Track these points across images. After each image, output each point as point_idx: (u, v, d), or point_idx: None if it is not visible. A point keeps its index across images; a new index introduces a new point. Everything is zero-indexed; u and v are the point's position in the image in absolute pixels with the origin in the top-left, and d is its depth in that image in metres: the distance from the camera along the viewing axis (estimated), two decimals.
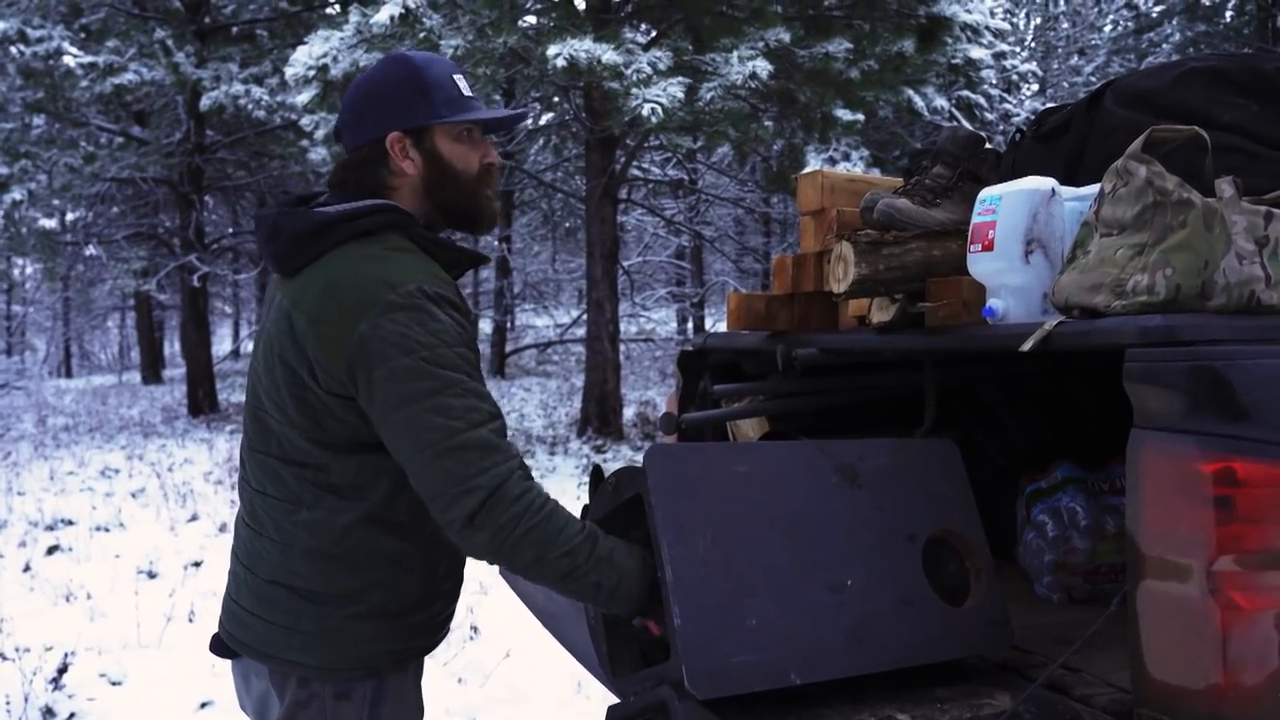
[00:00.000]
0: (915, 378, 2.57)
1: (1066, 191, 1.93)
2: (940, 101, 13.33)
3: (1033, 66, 20.85)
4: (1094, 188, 1.84)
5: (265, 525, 1.67)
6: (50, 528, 7.59)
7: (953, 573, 1.83)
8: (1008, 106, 19.34)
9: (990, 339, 1.91)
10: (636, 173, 15.14)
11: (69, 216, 19.45)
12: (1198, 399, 1.47)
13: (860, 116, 10.34)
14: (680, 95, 7.82)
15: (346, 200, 1.65)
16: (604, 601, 1.59)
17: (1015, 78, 20.46)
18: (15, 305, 36.31)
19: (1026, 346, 1.70)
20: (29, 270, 31.32)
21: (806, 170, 2.70)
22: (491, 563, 1.54)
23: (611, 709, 1.65)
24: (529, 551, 1.51)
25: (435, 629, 1.77)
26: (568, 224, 21.73)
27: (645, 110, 7.58)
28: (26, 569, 6.31)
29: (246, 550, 1.71)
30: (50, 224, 19.33)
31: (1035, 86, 21.80)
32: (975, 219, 1.95)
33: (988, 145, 2.26)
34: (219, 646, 1.77)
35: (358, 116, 1.69)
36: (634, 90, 7.69)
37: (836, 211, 2.47)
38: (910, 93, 10.82)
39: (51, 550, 6.84)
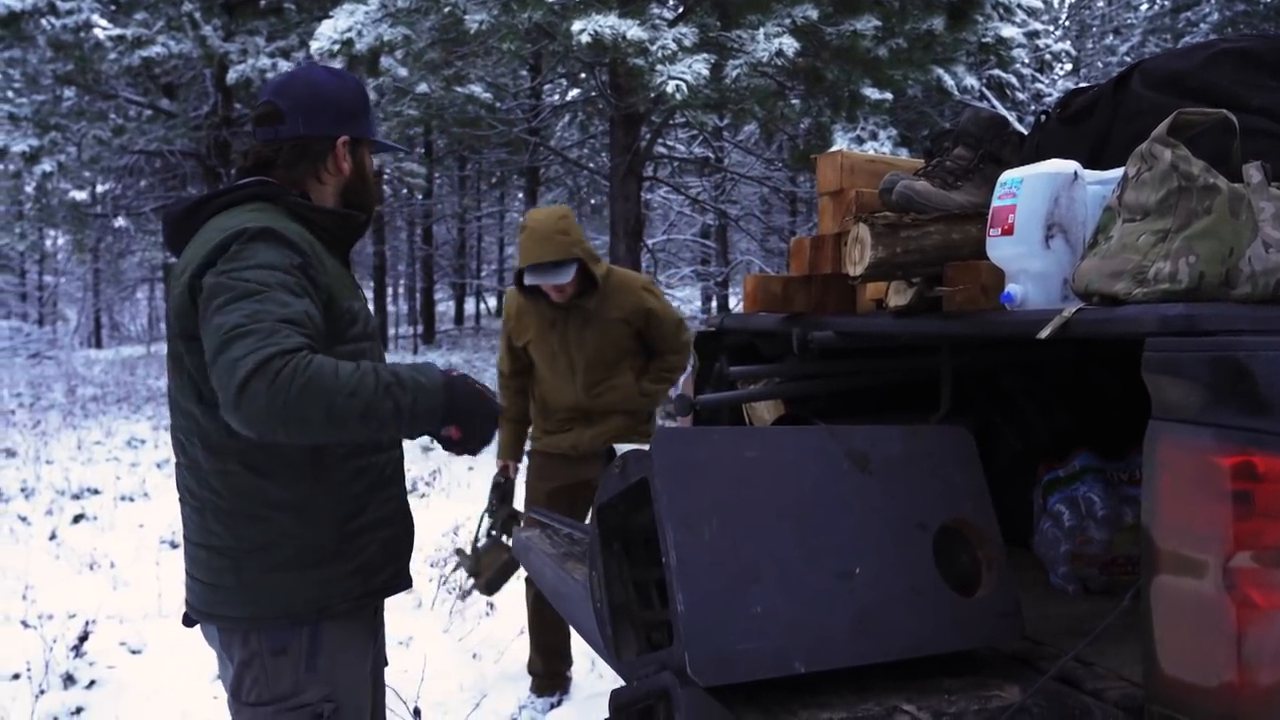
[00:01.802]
0: (933, 363, 2.53)
1: (1090, 175, 1.88)
2: (971, 81, 13.14)
3: (1066, 46, 20.53)
4: (1119, 171, 1.79)
5: (185, 494, 1.86)
6: (76, 496, 7.68)
7: (964, 562, 1.80)
8: (1040, 86, 19.06)
9: (1008, 325, 1.87)
10: (662, 150, 15.05)
11: (99, 189, 19.60)
12: (1218, 391, 1.43)
13: (889, 95, 10.20)
14: (705, 72, 7.74)
15: (265, 184, 1.85)
16: (408, 421, 1.62)
17: (1048, 57, 20.15)
18: (48, 276, 36.73)
19: (1044, 334, 1.66)
20: (60, 241, 31.64)
21: (828, 151, 2.66)
22: (287, 439, 1.55)
23: (615, 693, 1.64)
24: (314, 407, 1.52)
25: (364, 578, 1.87)
26: (593, 201, 21.67)
27: (670, 87, 7.51)
28: (53, 537, 6.39)
29: (183, 520, 1.90)
30: (81, 196, 19.50)
31: (1069, 66, 21.48)
32: (995, 202, 1.91)
33: (1011, 126, 2.21)
34: (185, 617, 1.95)
35: (315, 109, 1.89)
36: (659, 67, 7.61)
37: (855, 192, 2.43)
38: (940, 72, 10.67)
39: (77, 519, 6.93)
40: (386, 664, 2.13)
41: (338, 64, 8.97)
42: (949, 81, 11.06)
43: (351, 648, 1.89)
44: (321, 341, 1.67)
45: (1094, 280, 1.69)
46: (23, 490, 7.82)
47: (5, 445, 9.90)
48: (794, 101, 10.44)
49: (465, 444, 1.72)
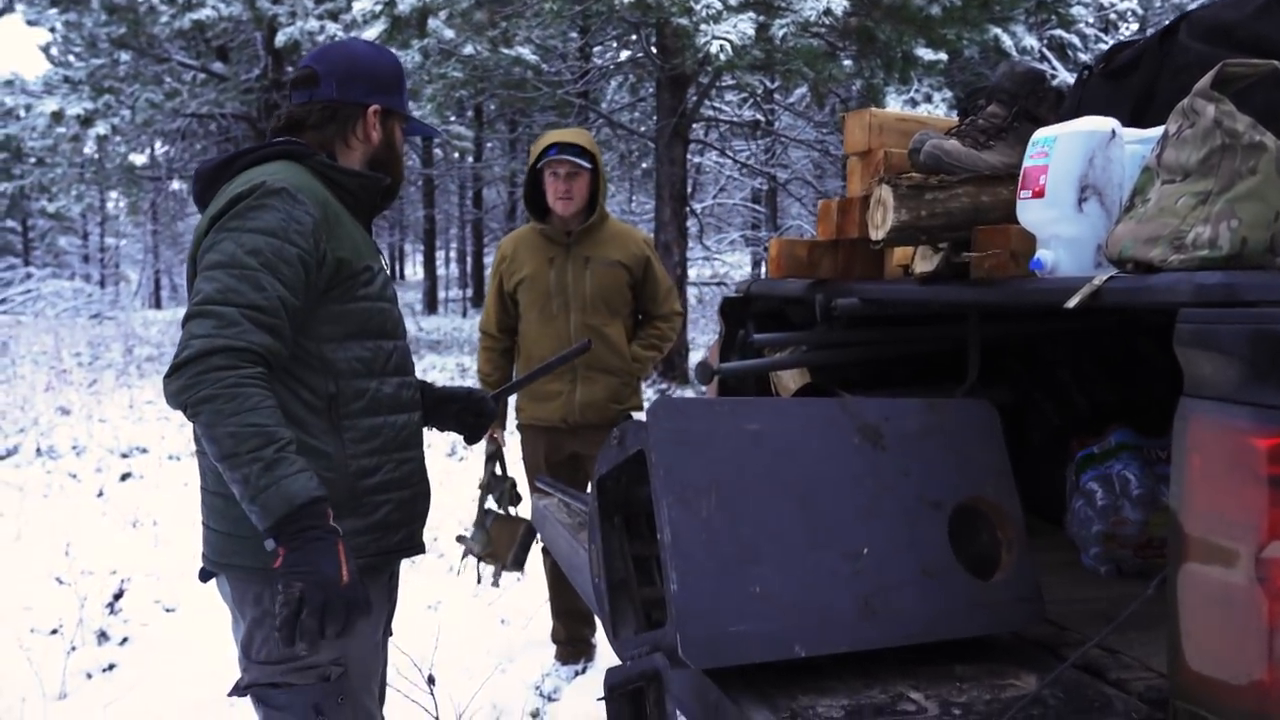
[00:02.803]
0: (962, 332, 2.42)
1: (1129, 133, 1.76)
2: (1030, 41, 12.74)
3: (1133, 4, 19.79)
4: (1160, 130, 1.67)
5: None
6: (125, 455, 7.82)
7: (982, 543, 1.71)
8: (1104, 47, 18.43)
9: (1037, 293, 1.76)
10: (711, 113, 14.84)
11: (158, 152, 19.88)
12: (1258, 366, 1.32)
13: (943, 56, 9.94)
14: (751, 32, 7.57)
15: (293, 144, 1.88)
16: (248, 500, 1.58)
17: (1114, 16, 19.48)
18: (109, 238, 37.50)
19: (1072, 303, 1.56)
20: (121, 204, 32.24)
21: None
22: (189, 418, 1.62)
23: (609, 672, 1.59)
24: (204, 417, 1.58)
25: (378, 537, 1.86)
26: (644, 165, 21.50)
27: (714, 47, 7.36)
28: (100, 494, 6.51)
29: (200, 470, 1.88)
30: (141, 159, 19.80)
31: (1135, 26, 20.73)
32: (1026, 162, 1.80)
33: (1048, 82, 2.08)
34: (202, 571, 1.92)
35: (350, 77, 1.93)
36: (703, 26, 7.46)
37: (884, 153, 2.33)
38: (997, 31, 10.33)
39: (124, 477, 7.05)
40: (391, 634, 2.10)
41: (380, 25, 8.96)
42: (1007, 41, 10.73)
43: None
44: (297, 323, 1.72)
45: (1128, 246, 1.58)
46: (74, 448, 7.98)
47: (60, 404, 10.12)
48: (845, 62, 10.20)
49: (291, 579, 1.54)
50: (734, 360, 2.80)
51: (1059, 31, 15.97)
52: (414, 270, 38.89)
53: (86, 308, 26.85)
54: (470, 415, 2.21)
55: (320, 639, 1.56)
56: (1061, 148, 1.73)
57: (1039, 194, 1.76)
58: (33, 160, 17.93)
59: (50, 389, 11.21)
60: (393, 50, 9.13)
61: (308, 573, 1.55)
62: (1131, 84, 2.00)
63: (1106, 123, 1.74)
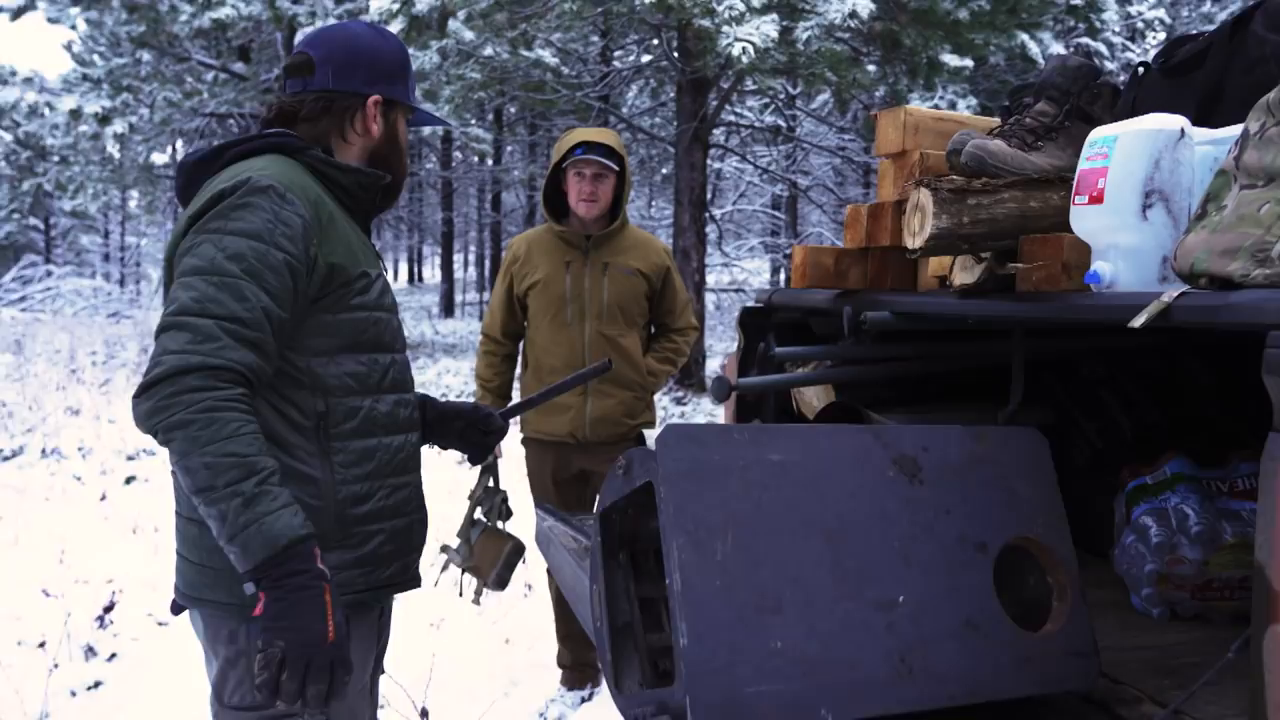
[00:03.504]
0: (1003, 349, 2.24)
1: (1199, 134, 1.59)
2: (1057, 48, 12.53)
3: (1160, 13, 19.52)
4: (1233, 129, 1.51)
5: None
6: (131, 458, 7.69)
7: (1031, 590, 1.53)
8: (1131, 55, 18.18)
9: (1094, 310, 1.59)
10: (731, 118, 14.68)
11: (179, 151, 19.89)
12: None
13: (969, 62, 9.74)
14: (774, 35, 7.39)
15: (286, 137, 1.72)
16: (225, 537, 1.44)
17: (1141, 25, 19.22)
18: (130, 237, 37.65)
19: (1138, 322, 1.38)
20: (142, 203, 32.31)
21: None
22: (161, 444, 1.47)
23: None
24: (177, 444, 1.44)
25: (367, 572, 1.71)
26: (664, 170, 21.37)
27: (736, 50, 7.19)
28: (103, 498, 6.38)
29: (176, 494, 1.72)
30: (163, 158, 19.79)
31: (1162, 35, 20.45)
32: (1083, 165, 1.63)
33: (1103, 78, 1.91)
34: (173, 603, 1.76)
35: (348, 64, 1.77)
36: (725, 28, 7.29)
37: (920, 154, 2.16)
38: (1024, 37, 10.14)
39: (129, 480, 6.92)
40: (383, 672, 1.93)
41: (399, 25, 8.83)
42: (1033, 48, 10.53)
43: (351, 653, 1.70)
44: (283, 336, 1.57)
45: (1202, 258, 1.41)
46: (80, 449, 7.86)
47: (70, 403, 10.02)
48: (869, 67, 10.02)
49: (273, 635, 1.41)
50: (753, 375, 2.63)
51: (1086, 40, 15.73)
52: (432, 273, 38.89)
53: (105, 306, 26.87)
54: (477, 433, 2.03)
55: (301, 702, 1.41)
56: (1123, 149, 1.56)
57: (1096, 199, 1.59)
58: (55, 159, 17.96)
59: (61, 388, 11.12)
60: (410, 49, 9.03)
61: (290, 629, 1.40)
62: (1196, 80, 1.82)
63: (1174, 121, 1.56)
